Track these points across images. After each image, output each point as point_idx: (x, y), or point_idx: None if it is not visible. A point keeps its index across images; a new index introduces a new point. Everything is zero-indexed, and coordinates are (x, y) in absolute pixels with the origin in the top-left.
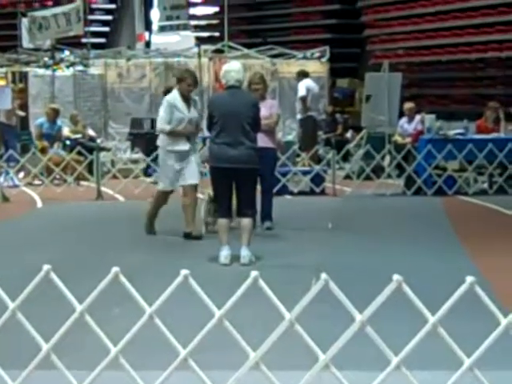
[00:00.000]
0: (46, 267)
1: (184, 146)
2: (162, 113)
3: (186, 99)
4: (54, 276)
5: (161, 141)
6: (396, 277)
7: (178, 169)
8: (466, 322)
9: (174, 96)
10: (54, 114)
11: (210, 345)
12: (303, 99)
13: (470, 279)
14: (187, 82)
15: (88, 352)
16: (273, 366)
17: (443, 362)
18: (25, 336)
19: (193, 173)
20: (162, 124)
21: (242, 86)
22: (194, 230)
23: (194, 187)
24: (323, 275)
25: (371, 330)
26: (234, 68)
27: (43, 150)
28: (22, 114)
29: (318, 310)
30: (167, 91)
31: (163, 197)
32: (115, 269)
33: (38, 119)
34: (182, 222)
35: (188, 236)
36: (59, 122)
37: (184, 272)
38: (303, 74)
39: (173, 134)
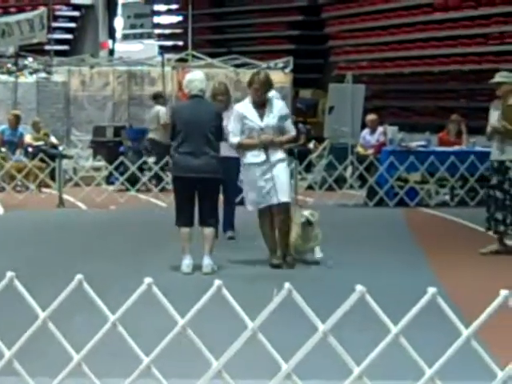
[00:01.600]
0: (9, 274)
1: (257, 158)
2: (231, 125)
3: (259, 105)
4: (17, 283)
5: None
6: (359, 287)
7: (262, 184)
8: (428, 332)
9: (244, 104)
10: (15, 121)
11: (173, 353)
12: None
13: (431, 290)
14: (254, 85)
15: (51, 359)
16: (235, 375)
17: (405, 373)
18: None
19: (280, 189)
20: (231, 137)
21: (204, 95)
22: (282, 259)
23: (285, 206)
24: (286, 285)
25: (333, 339)
26: (197, 77)
27: (4, 159)
28: None
29: (280, 319)
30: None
31: (263, 218)
32: (79, 276)
33: (0, 126)
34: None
35: (277, 266)
36: (21, 128)
37: (147, 280)
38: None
39: (243, 147)
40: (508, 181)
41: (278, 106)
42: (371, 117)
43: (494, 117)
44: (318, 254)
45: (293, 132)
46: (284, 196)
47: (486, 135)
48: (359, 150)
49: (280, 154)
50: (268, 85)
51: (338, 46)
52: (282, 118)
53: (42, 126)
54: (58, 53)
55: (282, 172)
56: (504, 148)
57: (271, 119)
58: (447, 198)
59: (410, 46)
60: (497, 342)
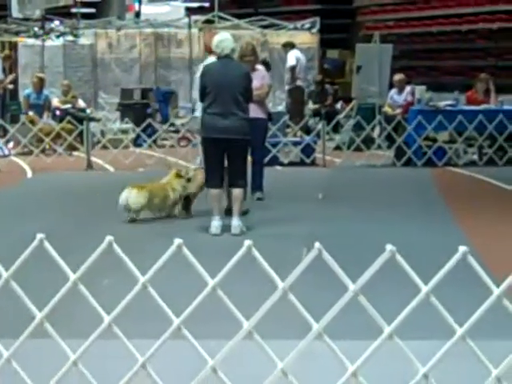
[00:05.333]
0: (39, 236)
1: None
2: None
3: None
4: (47, 245)
5: None
6: (389, 246)
7: None
8: (459, 291)
9: None
10: (40, 84)
11: (203, 314)
12: (292, 69)
13: (462, 248)
14: None
15: (81, 321)
16: (266, 336)
17: (436, 332)
18: (18, 305)
19: None
20: None
21: (234, 55)
22: None
23: None
24: (316, 244)
25: (364, 299)
26: (227, 37)
27: (32, 122)
28: (10, 87)
29: (310, 279)
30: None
31: None
32: (109, 237)
33: (26, 90)
34: None
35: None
36: (46, 91)
37: (177, 241)
38: (291, 45)
39: None
40: None
41: None
42: (398, 76)
43: None
44: None
45: None
46: None
47: None
48: (387, 109)
49: None
50: None
51: (365, 6)
52: None
53: (68, 89)
54: (85, 15)
55: None
56: None
57: None
58: (475, 157)
59: (437, 4)
60: None
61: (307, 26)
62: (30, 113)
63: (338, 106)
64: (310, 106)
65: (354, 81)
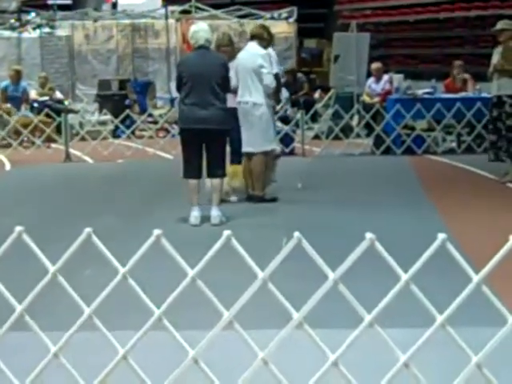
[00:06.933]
0: (18, 228)
1: None
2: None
3: None
4: (26, 237)
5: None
6: (369, 235)
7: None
8: (438, 279)
9: None
10: (17, 76)
11: (183, 305)
12: None
13: (441, 236)
14: None
15: (61, 313)
16: (246, 326)
17: (416, 320)
18: None
19: None
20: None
21: (210, 45)
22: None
23: None
24: (296, 233)
25: (344, 288)
26: (202, 28)
27: (9, 114)
28: None
29: (290, 268)
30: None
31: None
32: (88, 229)
33: (3, 82)
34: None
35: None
36: (23, 83)
37: (157, 232)
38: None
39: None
40: (504, 113)
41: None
42: (376, 65)
43: (495, 58)
44: None
45: None
46: None
47: (488, 75)
48: (365, 98)
49: None
50: None
51: None
52: None
53: (46, 81)
54: (61, 7)
55: None
56: (501, 85)
57: None
58: (454, 145)
59: None
60: (506, 287)
61: (284, 15)
62: (8, 105)
63: (316, 95)
64: (285, 95)
65: (331, 70)
